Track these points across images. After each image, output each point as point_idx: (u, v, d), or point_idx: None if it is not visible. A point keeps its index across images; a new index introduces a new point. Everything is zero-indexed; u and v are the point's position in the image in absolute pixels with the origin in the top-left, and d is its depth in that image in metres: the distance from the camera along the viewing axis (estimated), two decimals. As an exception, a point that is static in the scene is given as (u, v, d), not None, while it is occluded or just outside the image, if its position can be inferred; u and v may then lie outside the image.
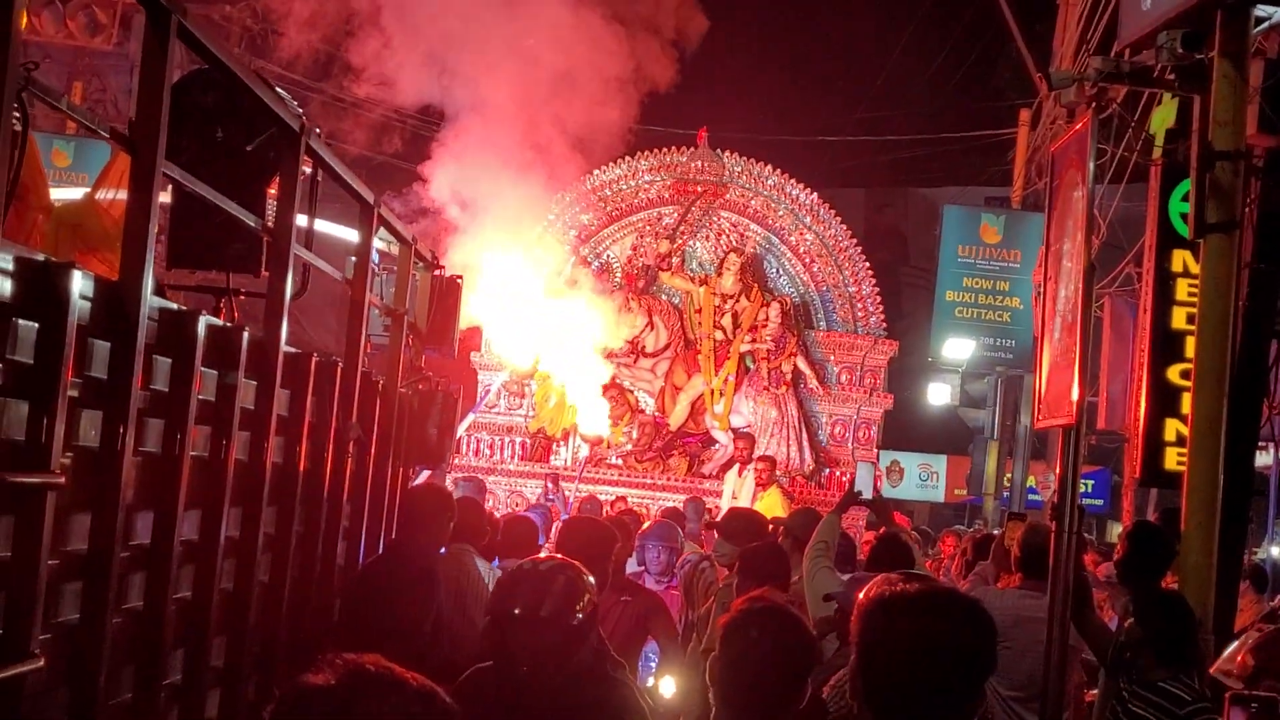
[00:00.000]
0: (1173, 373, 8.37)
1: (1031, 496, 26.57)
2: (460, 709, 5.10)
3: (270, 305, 5.78)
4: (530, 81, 17.21)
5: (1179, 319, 8.41)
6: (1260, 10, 7.55)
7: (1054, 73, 7.95)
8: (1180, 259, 8.43)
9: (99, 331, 4.06)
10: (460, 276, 9.26)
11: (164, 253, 7.03)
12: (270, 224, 5.88)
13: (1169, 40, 7.57)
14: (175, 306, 4.71)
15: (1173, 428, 8.32)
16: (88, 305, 3.96)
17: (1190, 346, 7.79)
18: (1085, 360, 6.93)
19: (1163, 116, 8.65)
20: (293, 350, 5.98)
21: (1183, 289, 8.37)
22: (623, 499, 17.82)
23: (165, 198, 7.04)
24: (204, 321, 4.79)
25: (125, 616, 4.37)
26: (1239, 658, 6.08)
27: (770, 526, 9.95)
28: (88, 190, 6.91)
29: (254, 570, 5.54)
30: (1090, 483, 29.81)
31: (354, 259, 7.59)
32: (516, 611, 4.82)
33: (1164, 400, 8.37)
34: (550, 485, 17.68)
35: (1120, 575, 7.94)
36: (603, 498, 17.45)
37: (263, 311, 5.84)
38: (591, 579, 5.10)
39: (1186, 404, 7.82)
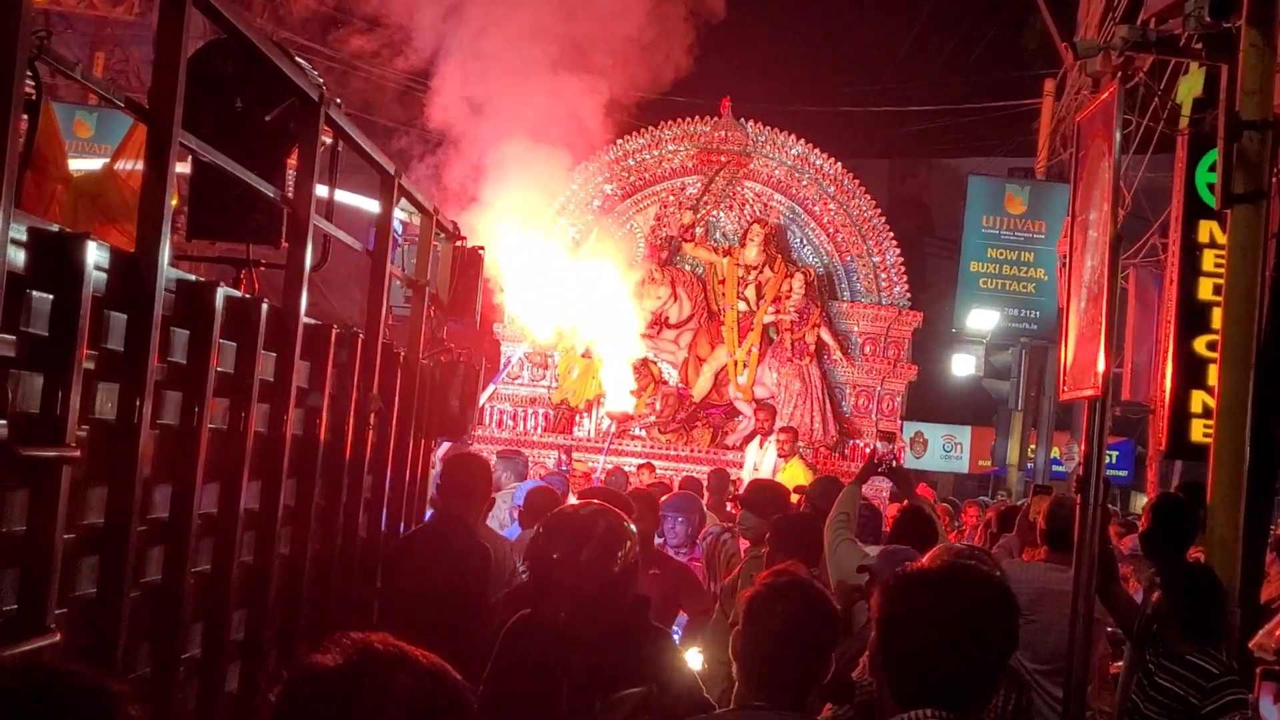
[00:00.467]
0: (1199, 344, 8.29)
1: (1056, 468, 26.51)
2: (490, 671, 5.10)
3: (290, 276, 5.74)
4: (552, 51, 17.19)
5: (1206, 290, 8.33)
6: (1288, -23, 7.47)
7: (1080, 42, 7.85)
8: (1207, 230, 8.34)
9: (115, 303, 4.02)
10: (482, 247, 9.22)
11: (185, 224, 7.04)
12: (290, 195, 5.83)
13: (1196, 8, 7.48)
14: (193, 278, 4.66)
15: (1199, 399, 8.24)
16: (104, 276, 3.93)
17: (1217, 318, 7.72)
18: (1112, 332, 6.87)
19: (1190, 86, 8.56)
20: (312, 322, 5.95)
21: (1209, 260, 8.29)
22: (650, 467, 17.79)
23: (185, 169, 7.09)
24: (222, 293, 4.76)
25: (143, 590, 4.35)
26: (1276, 632, 6.02)
27: (794, 498, 9.90)
28: (107, 161, 6.87)
29: (274, 543, 5.52)
30: (1115, 454, 29.74)
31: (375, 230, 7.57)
32: (555, 556, 4.76)
33: (1190, 372, 8.29)
34: (564, 457, 17.64)
35: (1145, 548, 7.88)
36: (628, 469, 17.42)
37: (283, 283, 5.80)
38: (634, 528, 5.04)
39: (1213, 376, 7.74)
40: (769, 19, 31.41)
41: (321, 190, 7.40)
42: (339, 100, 7.70)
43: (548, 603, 4.78)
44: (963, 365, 29.32)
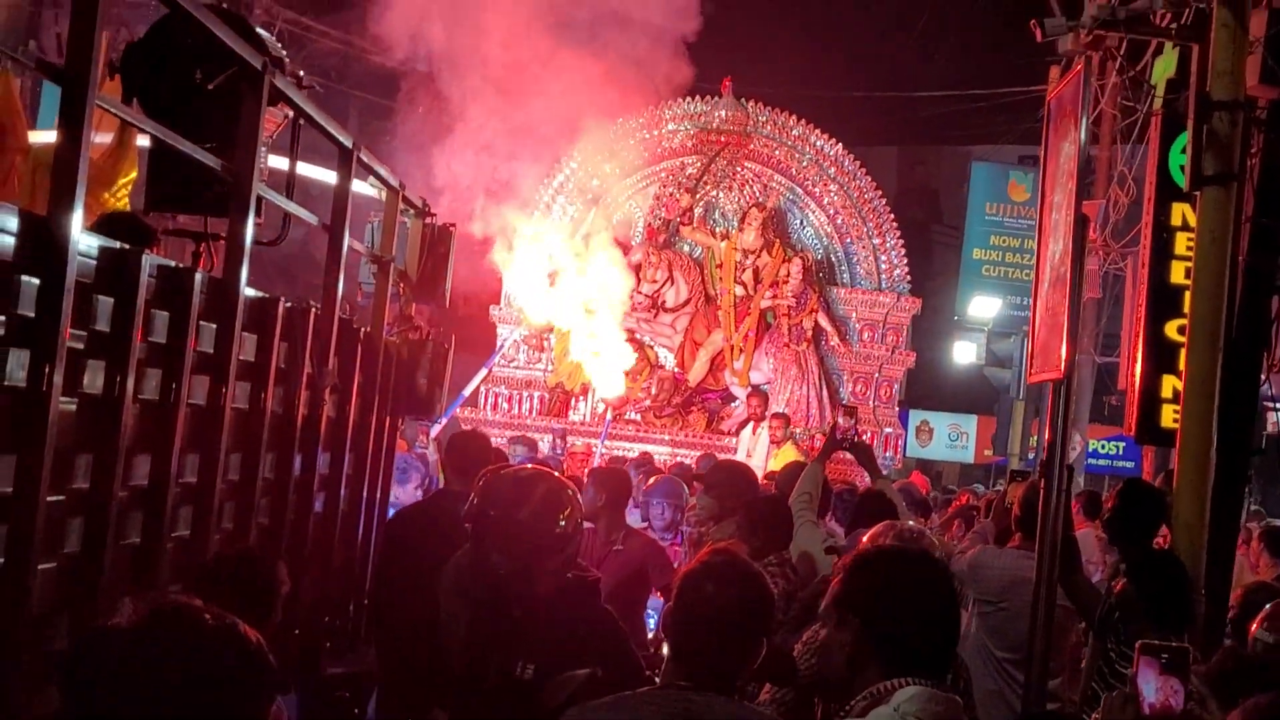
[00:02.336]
0: (1170, 328, 8.20)
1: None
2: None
3: (230, 247, 5.68)
4: (553, 28, 17.18)
5: (1177, 274, 8.24)
6: (1262, -43, 7.39)
7: (1048, 21, 7.77)
8: (1180, 212, 8.26)
9: (26, 268, 3.95)
10: (453, 224, 9.13)
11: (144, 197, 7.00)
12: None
13: (1166, -14, 7.43)
14: (116, 245, 4.59)
15: (1170, 384, 8.16)
16: (11, 240, 3.87)
17: (1188, 302, 7.63)
18: (1076, 315, 6.79)
19: (1164, 66, 8.47)
20: (257, 294, 5.88)
21: (1181, 243, 8.19)
22: (647, 455, 17.72)
23: (145, 142, 7.04)
24: (149, 260, 4.69)
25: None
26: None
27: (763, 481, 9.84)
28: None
29: (211, 518, 5.45)
30: (1120, 445, 29.62)
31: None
32: (491, 513, 4.72)
33: (1161, 356, 8.20)
34: (558, 440, 17.58)
35: (1110, 534, 7.80)
36: (619, 453, 17.39)
37: (270, 262, 5.75)
38: (578, 496, 5.00)
39: (1184, 361, 7.66)
40: (776, 5, 31.25)
41: (283, 163, 7.38)
42: (301, 73, 7.65)
43: (485, 560, 4.74)
44: (964, 353, 29.23)
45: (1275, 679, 4.79)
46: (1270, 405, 8.49)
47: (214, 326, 5.39)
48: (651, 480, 11.18)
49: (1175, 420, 7.76)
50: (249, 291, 5.68)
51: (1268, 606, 5.27)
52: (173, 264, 5.13)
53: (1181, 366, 7.69)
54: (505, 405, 20.28)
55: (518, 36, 17.27)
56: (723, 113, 20.52)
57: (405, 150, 18.13)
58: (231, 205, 5.76)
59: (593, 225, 20.28)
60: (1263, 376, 7.93)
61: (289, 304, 6.28)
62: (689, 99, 20.71)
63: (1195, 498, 7.41)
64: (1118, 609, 6.99)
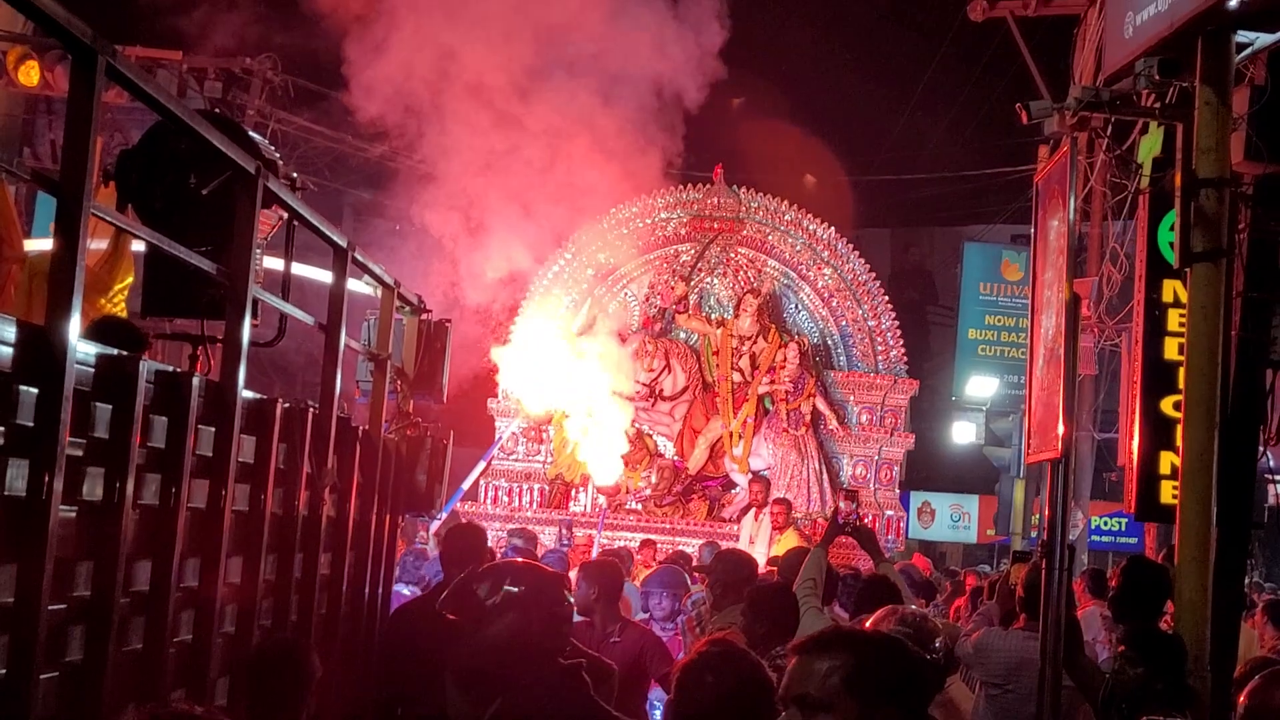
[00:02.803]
0: (1166, 404, 8.23)
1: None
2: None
3: (227, 350, 5.70)
4: (553, 116, 17.36)
5: (1171, 350, 8.27)
6: (1241, 36, 7.44)
7: (1033, 104, 7.85)
8: (1171, 289, 8.30)
9: (24, 378, 3.97)
10: (449, 320, 9.18)
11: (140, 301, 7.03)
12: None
13: (1146, 67, 7.47)
14: (114, 352, 4.62)
15: (1167, 460, 8.17)
16: (9, 351, 3.89)
17: (1183, 378, 7.66)
18: (1071, 393, 6.81)
19: (1150, 145, 8.54)
20: (255, 396, 5.90)
21: (1174, 319, 8.24)
22: (650, 544, 17.67)
23: (140, 247, 7.08)
24: (146, 366, 4.71)
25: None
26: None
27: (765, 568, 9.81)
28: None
29: (213, 622, 5.44)
30: (1123, 521, 29.54)
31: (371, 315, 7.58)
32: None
33: (1158, 433, 8.22)
34: (565, 530, 17.55)
35: (1115, 613, 7.78)
36: (620, 543, 17.34)
37: (268, 362, 5.78)
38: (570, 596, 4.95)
39: (1181, 436, 7.68)
40: (767, 93, 31.48)
41: (278, 264, 7.42)
42: (295, 175, 7.71)
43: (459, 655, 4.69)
44: (963, 433, 29.20)
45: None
46: (1271, 478, 8.47)
47: (212, 430, 5.39)
48: (649, 570, 11.15)
49: (1174, 496, 7.76)
50: (247, 394, 5.70)
51: (1255, 679, 5.25)
52: (170, 368, 5.15)
53: (1179, 443, 7.70)
54: (505, 498, 20.24)
55: (509, 124, 17.45)
56: (715, 199, 20.64)
57: (399, 244, 18.26)
58: (228, 308, 5.78)
59: (588, 315, 20.35)
60: (1260, 450, 7.94)
61: (287, 405, 6.29)
62: (682, 187, 20.86)
63: (1197, 574, 7.40)
64: (1118, 688, 6.96)
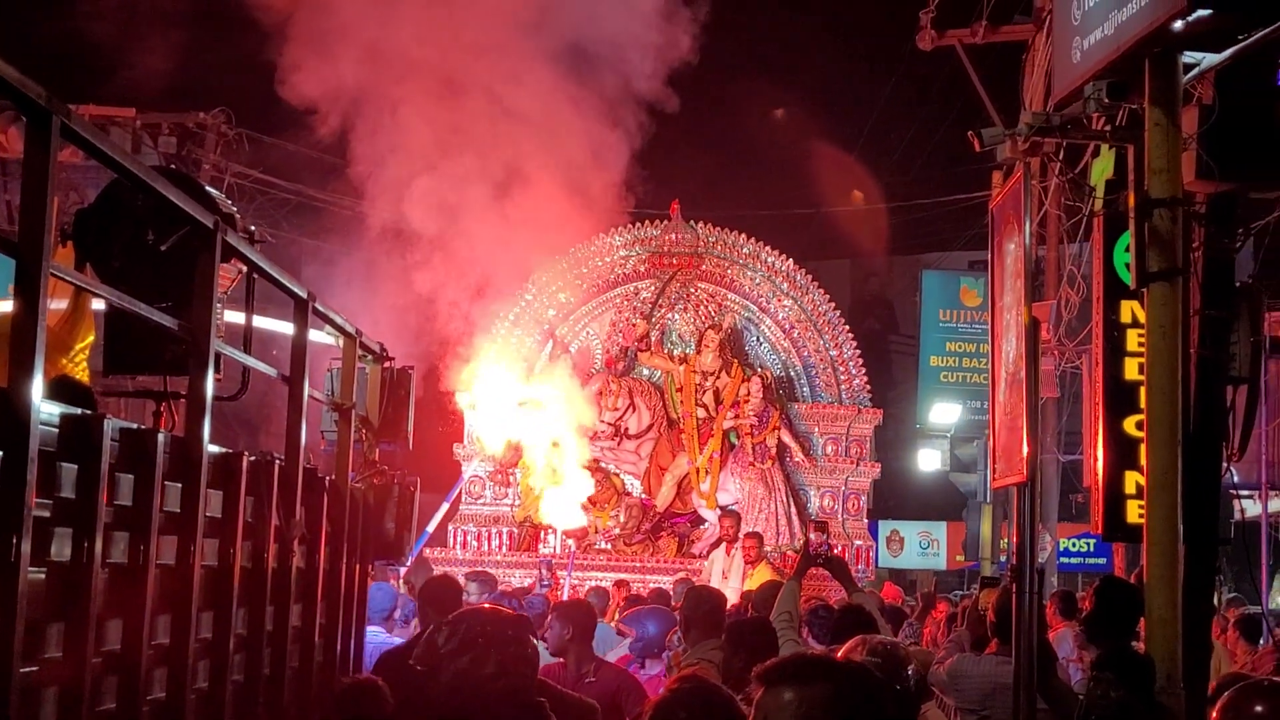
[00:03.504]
0: (1128, 424, 8.25)
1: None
2: None
3: (191, 405, 5.69)
4: (508, 159, 17.43)
5: (1131, 370, 8.31)
6: (1188, 57, 7.52)
7: (985, 130, 7.93)
8: (1129, 309, 8.34)
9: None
10: (411, 367, 9.18)
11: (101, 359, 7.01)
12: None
13: (1095, 90, 7.55)
14: (77, 411, 4.60)
15: (1132, 480, 8.19)
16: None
17: (1144, 397, 7.71)
18: (1034, 416, 6.85)
19: (1102, 168, 8.61)
20: (220, 450, 5.88)
21: (1133, 339, 8.27)
22: (624, 583, 17.61)
23: (100, 305, 7.07)
24: (110, 424, 4.70)
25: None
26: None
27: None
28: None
29: (186, 678, 5.42)
30: (1091, 542, 29.65)
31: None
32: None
33: (1121, 452, 8.24)
34: (544, 570, 17.48)
35: (1088, 633, 7.81)
36: (591, 584, 17.28)
37: (233, 415, 5.78)
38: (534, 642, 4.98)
39: (1144, 455, 7.72)
40: (722, 130, 31.66)
41: (239, 317, 7.42)
42: (253, 227, 7.71)
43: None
44: (929, 460, 29.30)
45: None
46: (1236, 494, 8.52)
47: (179, 486, 5.37)
48: (633, 608, 11.14)
49: (1141, 515, 7.80)
50: (212, 448, 5.68)
51: (1227, 693, 5.28)
52: (135, 426, 5.13)
53: (1143, 461, 7.74)
54: (474, 543, 20.17)
55: (466, 167, 17.52)
56: (673, 235, 20.69)
57: (360, 292, 18.26)
58: (190, 363, 5.78)
59: (550, 356, 20.36)
60: (1224, 466, 7.99)
61: (253, 458, 6.28)
62: (638, 225, 20.91)
63: (1166, 591, 7.43)
64: (1092, 710, 6.99)
